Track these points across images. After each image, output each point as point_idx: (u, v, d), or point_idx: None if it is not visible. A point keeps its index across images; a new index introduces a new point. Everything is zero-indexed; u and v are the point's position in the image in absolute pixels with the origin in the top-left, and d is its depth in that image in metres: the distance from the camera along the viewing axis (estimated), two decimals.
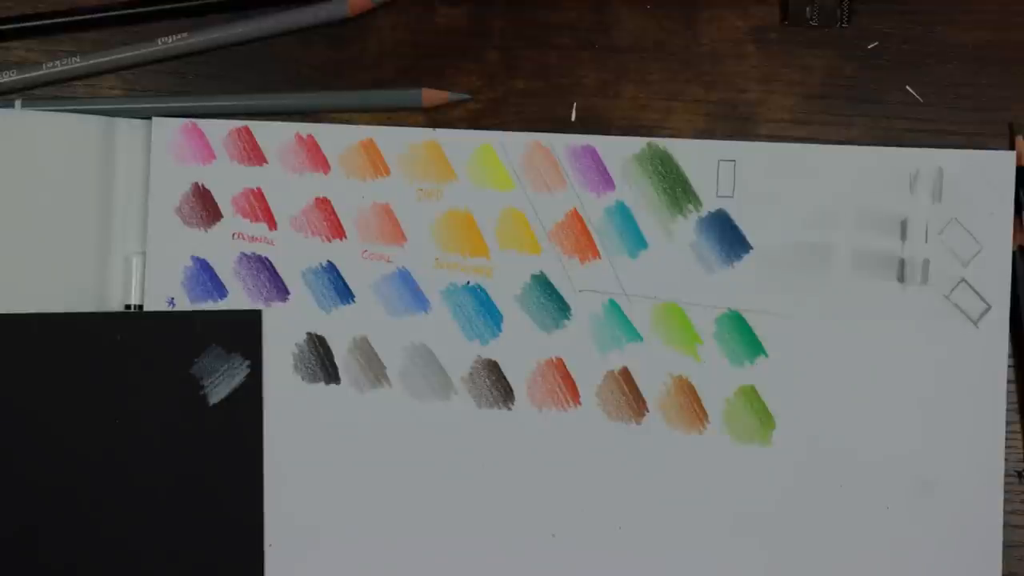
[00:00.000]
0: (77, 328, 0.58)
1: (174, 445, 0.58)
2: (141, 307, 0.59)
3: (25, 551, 0.58)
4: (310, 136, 0.60)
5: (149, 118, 0.60)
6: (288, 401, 0.59)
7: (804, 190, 0.60)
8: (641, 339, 0.60)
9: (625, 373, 0.60)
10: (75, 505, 0.58)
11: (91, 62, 0.60)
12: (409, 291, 0.60)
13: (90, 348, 0.58)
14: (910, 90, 0.61)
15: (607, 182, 0.60)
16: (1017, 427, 0.60)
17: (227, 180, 0.60)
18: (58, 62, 0.60)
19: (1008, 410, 0.59)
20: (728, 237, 0.60)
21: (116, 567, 0.58)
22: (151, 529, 0.58)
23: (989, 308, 0.60)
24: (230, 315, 0.59)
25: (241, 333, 0.59)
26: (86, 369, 0.58)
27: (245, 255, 0.60)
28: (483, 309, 0.60)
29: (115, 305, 0.59)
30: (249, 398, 0.59)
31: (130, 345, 0.59)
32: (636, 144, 0.60)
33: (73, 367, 0.58)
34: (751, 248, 0.60)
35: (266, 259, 0.60)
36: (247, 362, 0.59)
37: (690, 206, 0.60)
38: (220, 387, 0.59)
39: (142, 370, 0.59)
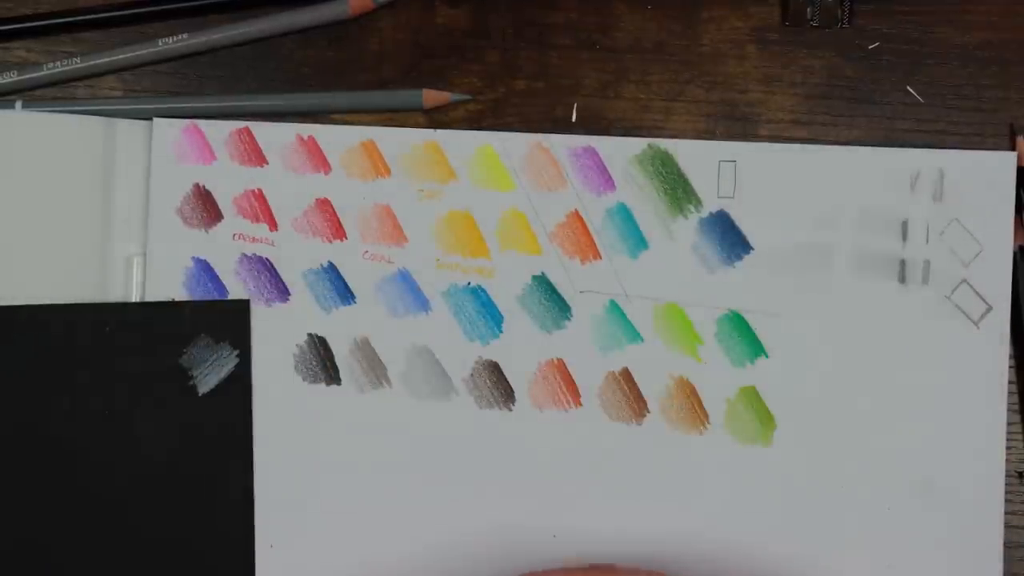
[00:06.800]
0: (65, 319, 0.58)
1: (163, 435, 0.58)
2: None
3: (10, 541, 0.58)
4: (311, 137, 0.60)
5: (150, 119, 0.60)
6: (289, 402, 0.59)
7: (805, 191, 0.60)
8: (642, 340, 0.60)
9: (626, 374, 0.60)
10: (63, 496, 0.58)
11: (91, 63, 0.60)
12: (410, 292, 0.60)
13: (79, 339, 0.58)
14: (911, 91, 0.61)
15: (608, 183, 0.60)
16: (1018, 427, 0.60)
17: (228, 181, 0.60)
18: (58, 63, 0.60)
19: (1009, 410, 0.59)
20: (729, 238, 0.60)
21: (105, 558, 0.58)
22: (140, 520, 0.58)
23: (990, 309, 0.60)
24: (218, 305, 0.59)
25: (229, 323, 0.59)
26: (75, 360, 0.58)
27: (246, 256, 0.60)
28: (484, 310, 0.60)
29: None
30: (238, 388, 0.59)
31: (119, 336, 0.59)
32: (637, 145, 0.61)
33: (62, 358, 0.58)
34: (752, 249, 0.60)
35: (267, 260, 0.60)
36: (236, 352, 0.59)
37: (691, 207, 0.60)
38: (209, 377, 0.59)
39: (131, 361, 0.59)
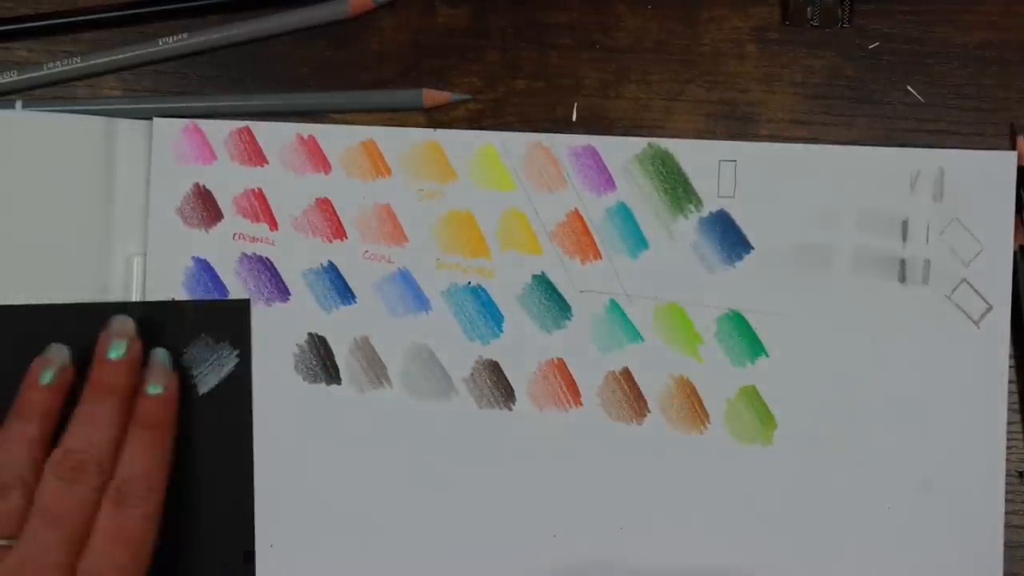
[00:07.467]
0: (67, 318, 0.58)
1: None
2: None
3: None
4: (311, 136, 0.60)
5: (150, 119, 0.60)
6: (289, 402, 0.59)
7: (805, 190, 0.60)
8: (642, 339, 0.60)
9: (626, 373, 0.60)
10: None
11: (91, 62, 0.60)
12: (410, 291, 0.60)
13: (80, 338, 0.58)
14: (911, 90, 0.61)
15: (608, 182, 0.60)
16: (1018, 427, 0.60)
17: (228, 180, 0.60)
18: (58, 63, 0.60)
19: (1009, 410, 0.59)
20: (729, 237, 0.60)
21: None
22: None
23: (990, 308, 0.60)
24: (218, 305, 0.59)
25: (230, 322, 0.59)
26: (76, 359, 0.58)
27: (246, 255, 0.60)
28: (484, 309, 0.60)
29: None
30: (238, 387, 0.59)
31: None
32: (637, 144, 0.60)
33: None
34: (752, 248, 0.60)
35: (267, 259, 0.60)
36: (236, 351, 0.59)
37: (691, 206, 0.60)
38: (209, 376, 0.59)
39: None
